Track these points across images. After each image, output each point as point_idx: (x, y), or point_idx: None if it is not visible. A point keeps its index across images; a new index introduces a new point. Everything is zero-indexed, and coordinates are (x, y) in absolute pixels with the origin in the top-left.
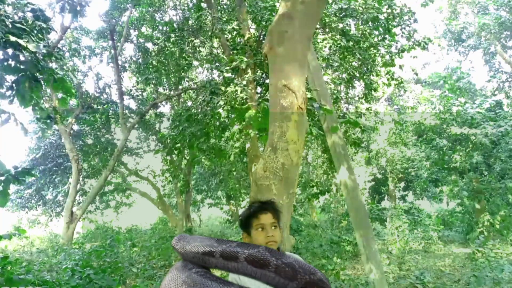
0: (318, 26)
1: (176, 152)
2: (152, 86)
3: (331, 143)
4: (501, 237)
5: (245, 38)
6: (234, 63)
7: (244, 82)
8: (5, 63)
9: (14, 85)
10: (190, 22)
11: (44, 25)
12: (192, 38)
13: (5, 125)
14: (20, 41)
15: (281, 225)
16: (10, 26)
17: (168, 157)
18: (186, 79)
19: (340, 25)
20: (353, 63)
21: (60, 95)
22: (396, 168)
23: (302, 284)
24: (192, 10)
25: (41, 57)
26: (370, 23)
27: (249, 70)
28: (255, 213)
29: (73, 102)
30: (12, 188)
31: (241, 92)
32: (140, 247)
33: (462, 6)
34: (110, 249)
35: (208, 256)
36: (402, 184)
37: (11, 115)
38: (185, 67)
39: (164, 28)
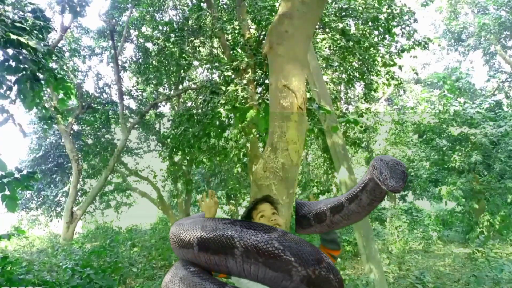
0: (318, 26)
1: (179, 152)
2: (152, 86)
3: (331, 143)
4: (501, 237)
5: (245, 38)
6: (234, 63)
7: (245, 82)
8: (6, 64)
9: (15, 85)
10: (190, 22)
11: (44, 25)
12: (192, 38)
13: (4, 125)
14: (21, 39)
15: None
16: (10, 26)
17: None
18: (186, 79)
19: (340, 25)
20: (353, 63)
21: (60, 95)
22: None
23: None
24: (192, 10)
25: (41, 56)
26: (370, 23)
27: (249, 70)
28: (254, 205)
29: (73, 102)
30: None
31: (241, 91)
32: (140, 247)
33: (462, 6)
34: (110, 249)
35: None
36: None
37: (10, 116)
38: (185, 67)
39: (164, 28)
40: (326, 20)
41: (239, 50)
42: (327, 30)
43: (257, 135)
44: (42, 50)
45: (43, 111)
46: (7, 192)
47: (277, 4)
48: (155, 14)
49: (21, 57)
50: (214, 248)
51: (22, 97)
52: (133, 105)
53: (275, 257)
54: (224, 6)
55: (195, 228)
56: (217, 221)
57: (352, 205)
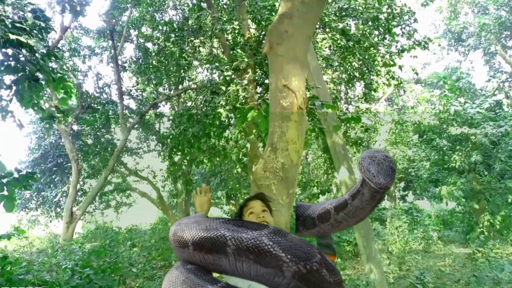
0: (318, 25)
1: (178, 152)
2: (152, 86)
3: (331, 143)
4: (501, 237)
5: (245, 38)
6: (234, 63)
7: (245, 82)
8: (5, 63)
9: (13, 85)
10: (190, 22)
11: (44, 25)
12: (192, 38)
13: (3, 122)
14: (21, 38)
15: (273, 215)
16: (10, 26)
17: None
18: (186, 79)
19: (340, 25)
20: (353, 63)
21: (60, 94)
22: (397, 168)
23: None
24: (192, 10)
25: (40, 57)
26: (370, 23)
27: (249, 70)
28: (245, 202)
29: (73, 102)
30: None
31: (242, 91)
32: (140, 247)
33: (462, 6)
34: (110, 249)
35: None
36: (402, 184)
37: (9, 112)
38: (185, 67)
39: (164, 28)
40: (326, 19)
41: (239, 51)
42: (327, 30)
43: (257, 135)
44: (42, 50)
45: (40, 112)
46: (5, 193)
47: (277, 4)
48: (155, 14)
49: (20, 57)
50: (208, 247)
51: (19, 97)
52: (133, 105)
53: (264, 253)
54: (224, 6)
55: (190, 227)
56: (212, 220)
57: (356, 201)
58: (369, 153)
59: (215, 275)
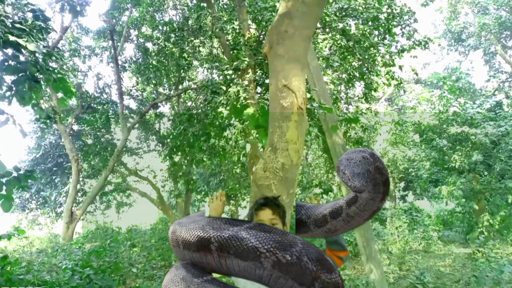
0: (318, 26)
1: (179, 152)
2: (152, 86)
3: (331, 143)
4: (501, 237)
5: (245, 38)
6: (235, 63)
7: (246, 82)
8: (5, 64)
9: (13, 85)
10: (190, 22)
11: (43, 25)
12: (192, 38)
13: (4, 126)
14: (20, 41)
15: (286, 221)
16: (10, 26)
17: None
18: (186, 79)
19: (340, 25)
20: (353, 63)
21: (59, 95)
22: (397, 168)
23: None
24: (192, 10)
25: (41, 57)
26: (370, 22)
27: (249, 70)
28: (255, 210)
29: (73, 102)
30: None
31: (243, 92)
32: (140, 247)
33: (462, 6)
34: (110, 249)
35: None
36: (402, 184)
37: (10, 116)
38: (185, 67)
39: (164, 28)
40: (326, 20)
41: (239, 51)
42: (327, 30)
43: (257, 135)
44: (42, 50)
45: (40, 112)
46: (3, 192)
47: (277, 4)
48: (155, 14)
49: (20, 57)
50: (195, 246)
51: (19, 97)
52: (133, 105)
53: (242, 246)
54: (224, 6)
55: (182, 227)
56: (203, 219)
57: (364, 193)
58: (347, 155)
59: (217, 276)
